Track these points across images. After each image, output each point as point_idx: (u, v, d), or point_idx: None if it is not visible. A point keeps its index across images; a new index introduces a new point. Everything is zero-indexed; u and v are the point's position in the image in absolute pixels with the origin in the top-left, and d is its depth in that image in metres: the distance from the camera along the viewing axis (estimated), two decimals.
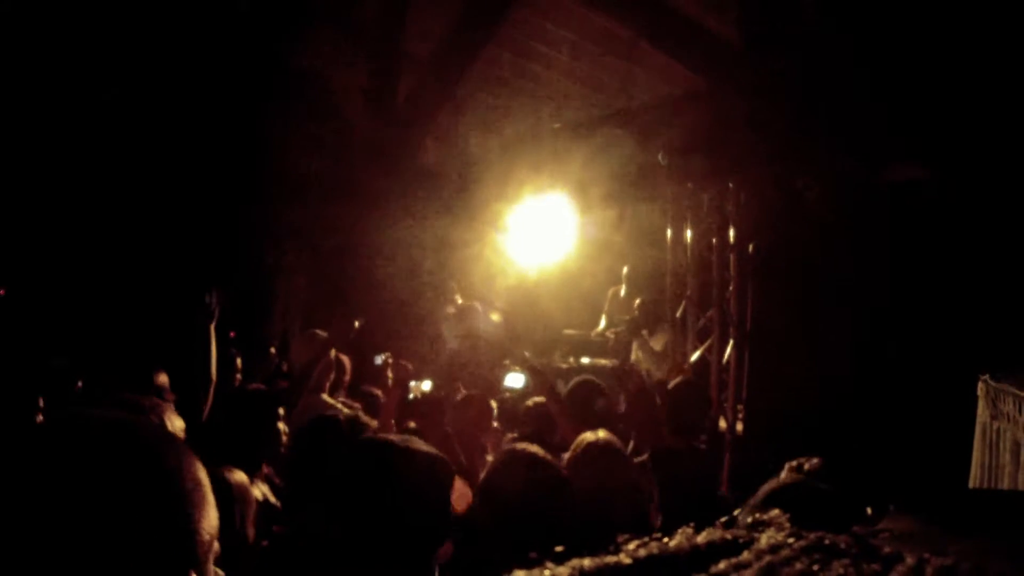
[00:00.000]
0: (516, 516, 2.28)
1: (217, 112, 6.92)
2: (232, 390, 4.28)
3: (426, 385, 5.66)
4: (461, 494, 2.18)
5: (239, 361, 4.62)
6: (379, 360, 5.67)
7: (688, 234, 7.47)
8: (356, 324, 4.32)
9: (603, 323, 8.19)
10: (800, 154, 5.56)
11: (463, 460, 3.35)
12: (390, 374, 5.20)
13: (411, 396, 4.97)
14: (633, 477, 2.46)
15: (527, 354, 7.88)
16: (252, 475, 2.80)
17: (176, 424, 2.48)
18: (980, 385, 4.48)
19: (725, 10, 6.04)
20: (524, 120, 7.92)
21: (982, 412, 4.44)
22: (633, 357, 7.32)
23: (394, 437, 2.14)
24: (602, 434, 3.08)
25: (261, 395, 3.40)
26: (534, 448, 2.55)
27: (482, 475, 2.52)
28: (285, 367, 5.80)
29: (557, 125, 7.65)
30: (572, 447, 3.03)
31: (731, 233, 6.47)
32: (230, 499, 2.41)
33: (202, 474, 0.93)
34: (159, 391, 3.38)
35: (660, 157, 6.36)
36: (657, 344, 7.24)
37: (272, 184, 7.35)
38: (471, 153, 7.98)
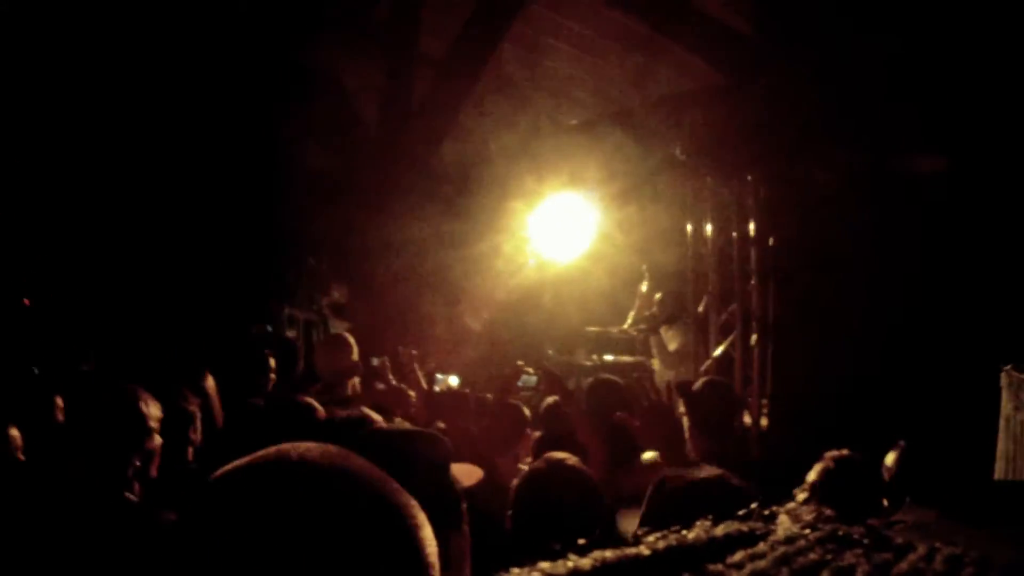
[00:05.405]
0: (549, 525, 2.27)
1: (232, 114, 6.98)
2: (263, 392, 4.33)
3: (453, 380, 5.62)
4: (469, 471, 2.14)
5: (272, 362, 4.60)
6: (375, 363, 5.62)
7: (708, 229, 7.44)
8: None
9: (630, 319, 8.13)
10: (819, 147, 5.53)
11: (487, 460, 3.30)
12: (390, 375, 5.06)
13: (436, 388, 4.93)
14: (591, 487, 2.43)
15: (550, 352, 7.87)
16: None
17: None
18: (1003, 376, 4.45)
19: (742, 3, 6.03)
20: (540, 116, 7.92)
21: (1005, 403, 4.40)
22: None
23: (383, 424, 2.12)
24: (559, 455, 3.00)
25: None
26: (568, 458, 2.52)
27: (515, 481, 2.49)
28: (300, 367, 5.80)
29: (574, 121, 7.64)
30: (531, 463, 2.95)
31: (751, 227, 6.45)
32: None
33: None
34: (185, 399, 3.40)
35: (678, 152, 6.35)
36: (672, 343, 7.19)
37: (286, 186, 7.40)
38: (487, 151, 8.00)
